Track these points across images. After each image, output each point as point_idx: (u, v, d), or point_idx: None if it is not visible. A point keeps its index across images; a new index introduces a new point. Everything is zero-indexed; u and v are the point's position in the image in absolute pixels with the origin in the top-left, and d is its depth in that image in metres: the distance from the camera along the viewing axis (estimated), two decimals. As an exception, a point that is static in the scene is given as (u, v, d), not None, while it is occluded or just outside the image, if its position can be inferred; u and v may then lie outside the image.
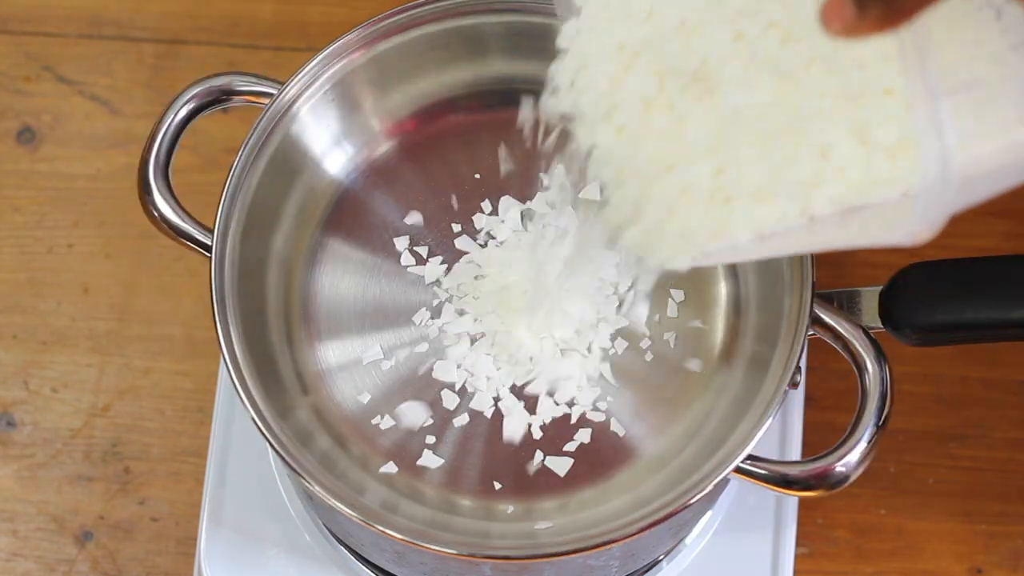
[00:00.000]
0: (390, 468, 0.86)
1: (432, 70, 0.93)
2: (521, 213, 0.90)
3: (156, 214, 0.87)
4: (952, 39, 0.60)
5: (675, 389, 0.88)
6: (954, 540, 1.01)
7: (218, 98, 0.89)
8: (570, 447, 0.87)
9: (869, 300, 0.86)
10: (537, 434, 0.86)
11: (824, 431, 1.01)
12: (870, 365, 0.83)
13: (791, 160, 0.66)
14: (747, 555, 0.93)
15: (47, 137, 1.11)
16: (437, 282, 0.90)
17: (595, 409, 0.87)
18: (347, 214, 0.92)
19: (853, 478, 0.81)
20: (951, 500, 1.02)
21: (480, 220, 0.91)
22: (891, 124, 0.65)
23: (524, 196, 0.91)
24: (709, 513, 0.94)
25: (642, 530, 0.80)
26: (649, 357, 0.88)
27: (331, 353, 0.89)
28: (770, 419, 0.81)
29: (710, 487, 0.80)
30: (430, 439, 0.87)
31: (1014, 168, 0.62)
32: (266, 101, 0.89)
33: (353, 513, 0.81)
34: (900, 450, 1.02)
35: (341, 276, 0.90)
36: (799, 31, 0.66)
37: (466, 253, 0.90)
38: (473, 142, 0.93)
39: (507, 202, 0.91)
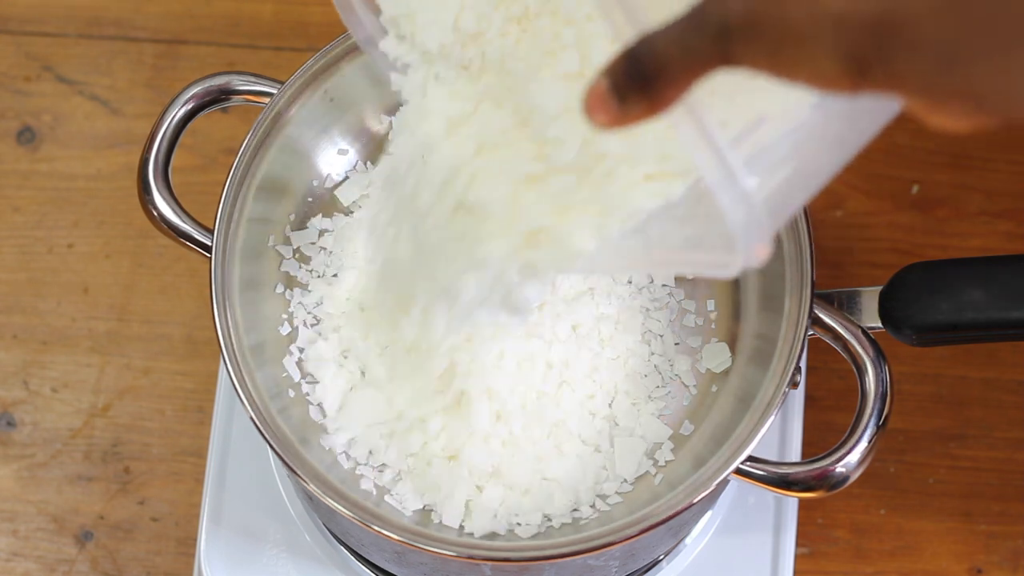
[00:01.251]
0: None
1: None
2: None
3: (156, 214, 0.87)
4: (716, 101, 0.61)
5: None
6: (954, 540, 1.01)
7: (217, 98, 0.89)
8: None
9: (869, 300, 0.86)
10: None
11: (824, 431, 1.01)
12: (870, 365, 0.83)
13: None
14: (747, 555, 0.93)
15: (47, 137, 1.11)
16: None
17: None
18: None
19: (853, 479, 0.81)
20: (951, 500, 1.02)
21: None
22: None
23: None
24: (709, 513, 0.94)
25: (642, 531, 0.80)
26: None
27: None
28: (770, 419, 0.81)
29: (710, 488, 0.80)
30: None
31: (815, 176, 0.64)
32: (266, 101, 0.89)
33: (352, 514, 0.81)
34: (900, 450, 1.02)
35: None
36: None
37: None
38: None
39: None
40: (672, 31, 0.57)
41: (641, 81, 0.57)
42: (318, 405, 0.87)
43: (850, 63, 0.55)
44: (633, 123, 0.58)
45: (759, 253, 0.60)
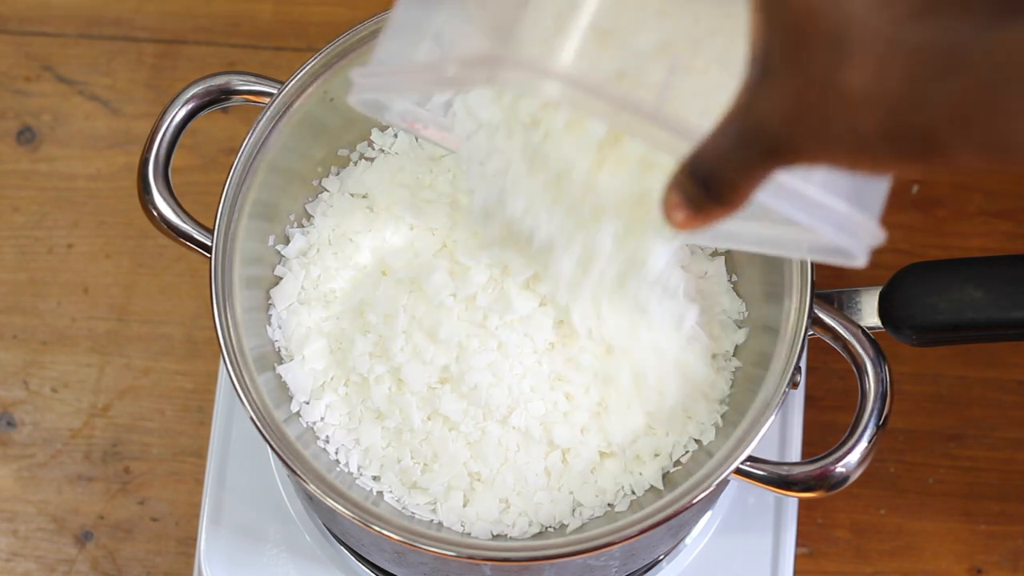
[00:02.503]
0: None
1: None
2: None
3: (156, 214, 0.87)
4: None
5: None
6: (954, 540, 1.01)
7: (217, 98, 0.89)
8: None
9: (869, 300, 0.86)
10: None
11: (824, 431, 1.01)
12: (870, 365, 0.83)
13: None
14: (747, 555, 0.93)
15: (47, 137, 1.11)
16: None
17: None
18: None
19: (853, 479, 0.81)
20: (951, 500, 1.02)
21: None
22: None
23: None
24: (709, 513, 0.94)
25: (642, 532, 0.80)
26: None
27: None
28: (770, 419, 0.81)
29: (710, 488, 0.80)
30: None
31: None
32: (266, 100, 0.88)
33: (352, 514, 0.81)
34: (900, 450, 1.02)
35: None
36: None
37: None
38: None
39: None
40: (723, 147, 0.58)
41: (709, 192, 0.59)
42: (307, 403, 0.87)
43: (910, 161, 0.55)
44: (714, 222, 0.60)
45: (876, 240, 0.65)
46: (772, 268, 0.86)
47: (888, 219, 1.06)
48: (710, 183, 0.59)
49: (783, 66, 0.56)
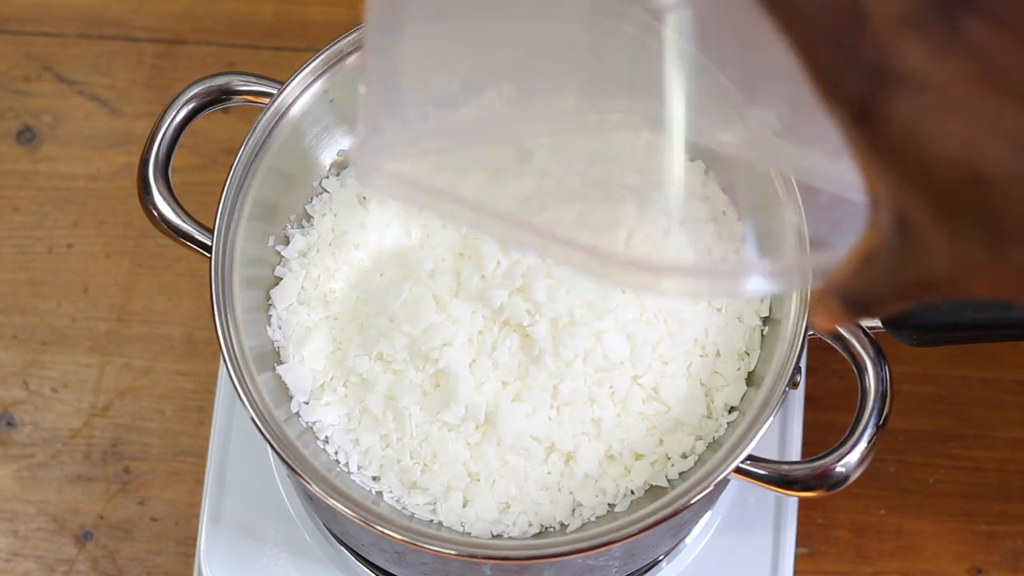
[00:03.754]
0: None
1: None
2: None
3: (156, 214, 0.87)
4: None
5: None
6: (954, 540, 1.01)
7: (218, 98, 0.89)
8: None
9: (869, 300, 0.86)
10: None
11: (824, 431, 1.01)
12: (870, 365, 0.83)
13: None
14: (747, 555, 0.93)
15: (47, 137, 1.11)
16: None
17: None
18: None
19: (853, 478, 0.81)
20: (951, 500, 1.02)
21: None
22: None
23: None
24: (709, 513, 0.94)
25: (642, 531, 0.80)
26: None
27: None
28: (770, 419, 0.81)
29: (710, 488, 0.80)
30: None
31: None
32: (266, 101, 0.88)
33: (353, 513, 0.81)
34: (900, 450, 1.02)
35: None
36: None
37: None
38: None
39: None
40: (876, 286, 0.58)
41: (861, 312, 0.60)
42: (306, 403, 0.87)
43: None
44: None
45: None
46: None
47: (888, 219, 1.06)
48: (863, 308, 0.60)
49: (938, 238, 0.54)
